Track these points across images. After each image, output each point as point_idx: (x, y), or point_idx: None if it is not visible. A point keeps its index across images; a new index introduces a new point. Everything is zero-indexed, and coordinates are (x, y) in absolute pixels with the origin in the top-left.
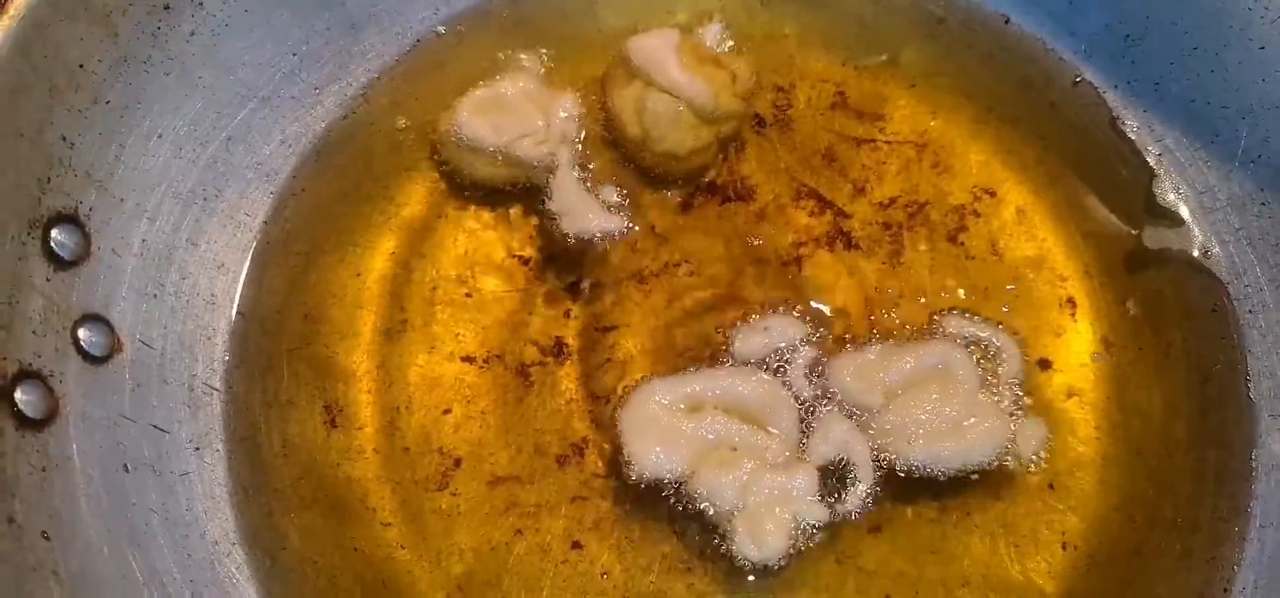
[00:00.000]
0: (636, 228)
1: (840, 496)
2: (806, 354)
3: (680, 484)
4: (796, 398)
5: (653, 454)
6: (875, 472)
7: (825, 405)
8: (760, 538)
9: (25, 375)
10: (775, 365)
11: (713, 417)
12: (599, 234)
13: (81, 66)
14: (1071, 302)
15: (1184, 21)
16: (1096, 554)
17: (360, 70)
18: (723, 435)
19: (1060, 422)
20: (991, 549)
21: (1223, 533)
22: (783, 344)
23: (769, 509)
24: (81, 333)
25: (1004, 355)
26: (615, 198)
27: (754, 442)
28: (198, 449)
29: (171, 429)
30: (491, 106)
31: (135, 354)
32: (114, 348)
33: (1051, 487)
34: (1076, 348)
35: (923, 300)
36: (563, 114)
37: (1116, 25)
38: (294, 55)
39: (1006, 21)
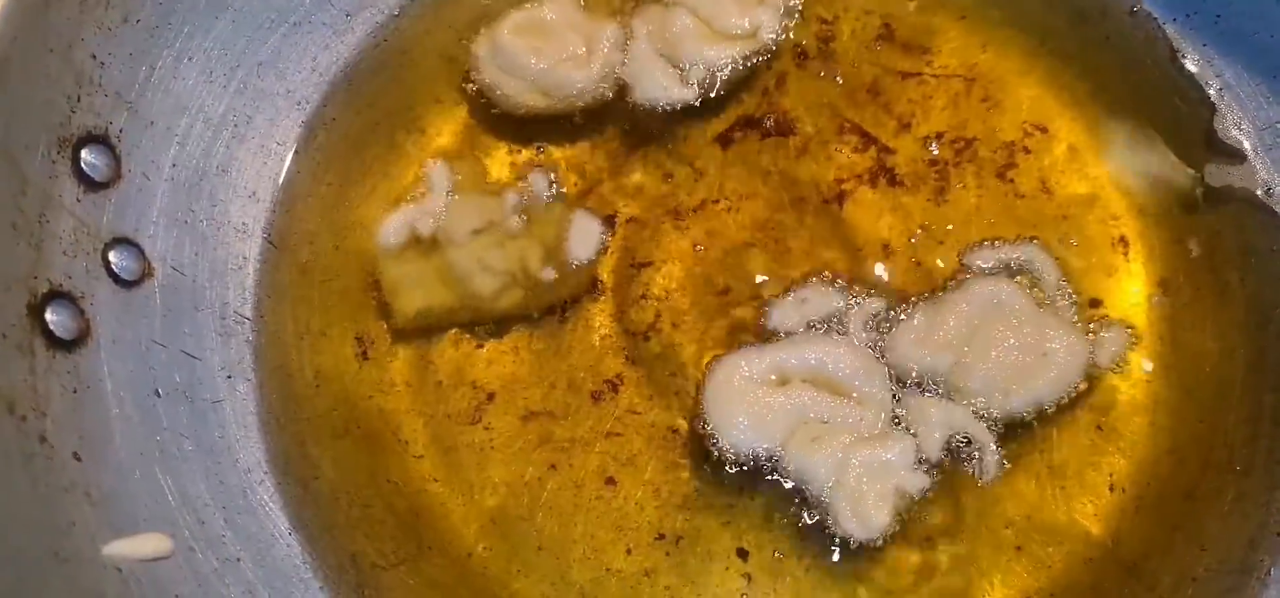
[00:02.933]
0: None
1: (968, 467)
2: (859, 316)
3: (773, 461)
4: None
5: (742, 431)
6: (990, 432)
7: (914, 392)
8: (864, 515)
9: (56, 295)
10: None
11: (800, 389)
12: (671, 103)
13: None
14: (1124, 241)
15: None
16: (1145, 497)
17: None
18: (813, 409)
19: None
20: (1038, 491)
21: (1277, 477)
22: (821, 316)
23: (870, 484)
24: (112, 256)
25: (1037, 266)
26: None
27: (845, 414)
28: (230, 377)
29: (203, 356)
30: (531, 29)
31: (166, 279)
32: (145, 272)
33: (1099, 428)
34: (1128, 287)
35: (970, 239)
36: (607, 43)
37: None
38: None
39: None
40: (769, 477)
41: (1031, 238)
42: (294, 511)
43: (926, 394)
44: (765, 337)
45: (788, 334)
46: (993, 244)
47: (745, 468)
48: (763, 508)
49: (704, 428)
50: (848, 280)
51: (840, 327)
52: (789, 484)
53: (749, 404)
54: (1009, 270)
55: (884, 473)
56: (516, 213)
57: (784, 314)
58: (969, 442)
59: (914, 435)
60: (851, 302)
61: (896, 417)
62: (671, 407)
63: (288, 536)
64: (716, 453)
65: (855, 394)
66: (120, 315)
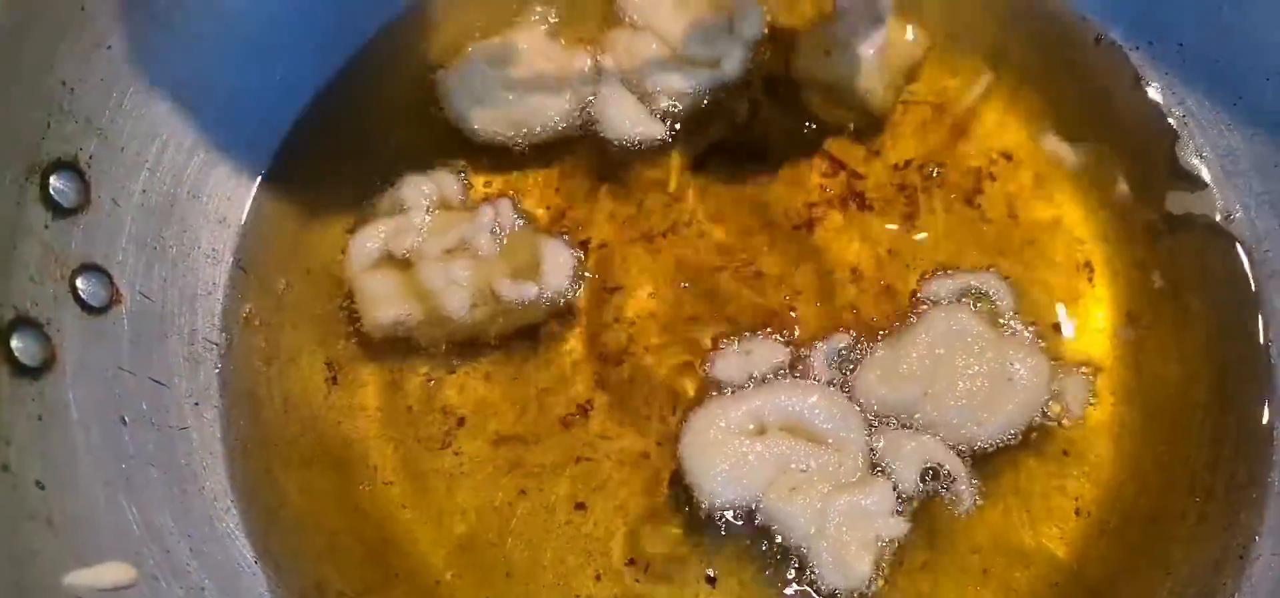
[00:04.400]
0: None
1: (941, 497)
2: (822, 355)
3: (752, 511)
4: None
5: (721, 483)
6: (962, 461)
7: (886, 428)
8: (846, 565)
9: (22, 322)
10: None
11: (778, 438)
12: (640, 141)
13: (83, 9)
14: (1088, 266)
15: None
16: (1111, 521)
17: (365, 23)
18: (791, 458)
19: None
20: (1004, 516)
21: (1240, 500)
22: (765, 368)
23: (851, 533)
24: (80, 282)
25: (991, 291)
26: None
27: (823, 461)
28: (197, 404)
29: (170, 383)
30: (503, 58)
31: (134, 306)
32: (113, 299)
33: (1065, 453)
34: (1093, 312)
35: (939, 264)
36: (578, 74)
37: None
38: (297, 8)
39: None
40: (748, 526)
41: (988, 266)
42: (260, 539)
43: (900, 428)
44: (717, 386)
45: (735, 388)
46: (948, 272)
47: (725, 519)
48: (731, 535)
49: (682, 480)
50: (793, 330)
51: (803, 369)
52: (778, 539)
53: (727, 455)
54: (966, 297)
55: (864, 520)
56: (490, 234)
57: (727, 366)
58: (942, 473)
59: (890, 475)
60: (816, 342)
61: (873, 455)
62: (643, 432)
63: (253, 565)
64: (698, 506)
65: (831, 440)
66: (87, 342)
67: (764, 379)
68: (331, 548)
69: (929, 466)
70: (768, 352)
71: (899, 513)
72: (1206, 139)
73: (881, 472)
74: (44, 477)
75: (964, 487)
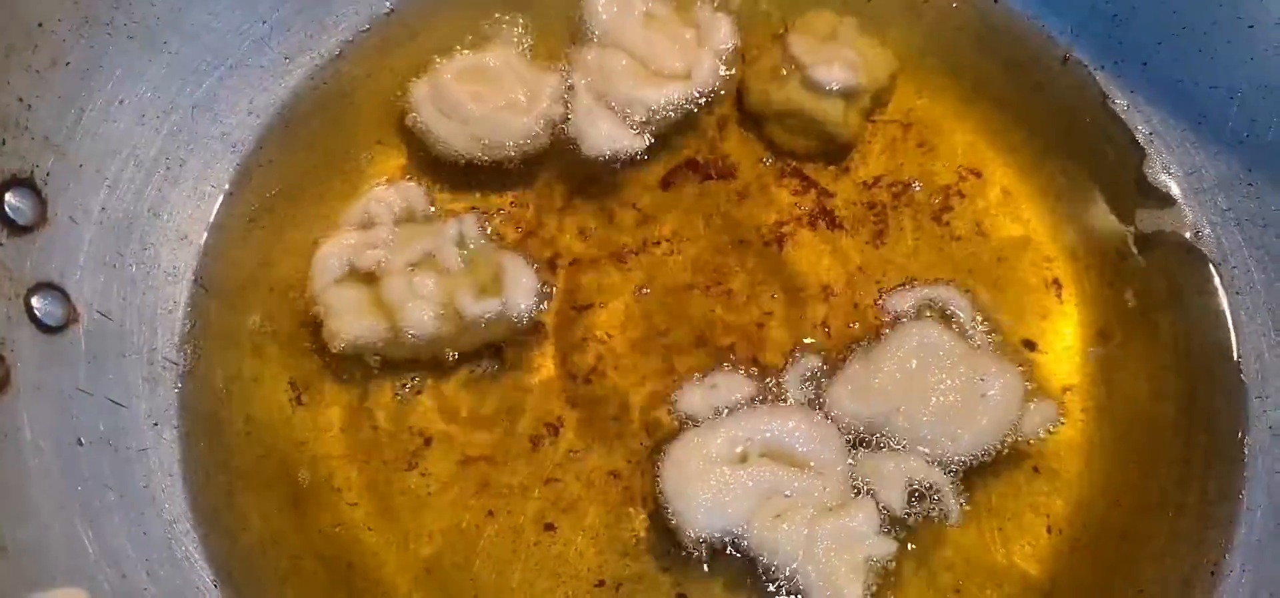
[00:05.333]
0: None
1: (931, 513)
2: (795, 375)
3: (737, 541)
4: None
5: (706, 514)
6: (947, 475)
7: (863, 447)
8: (837, 589)
9: None
10: (773, 396)
11: (760, 465)
12: (611, 156)
13: (40, 25)
14: (1057, 283)
15: (1173, 0)
16: (1082, 538)
17: (331, 39)
18: (774, 484)
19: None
20: (976, 533)
21: (1210, 516)
22: (730, 402)
23: (840, 557)
24: (35, 301)
25: (952, 305)
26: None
27: (806, 486)
28: (156, 425)
29: (129, 403)
30: (473, 75)
31: (92, 325)
32: (70, 318)
33: (1037, 470)
34: (1063, 329)
35: (907, 280)
36: (547, 94)
37: (1104, 5)
38: (264, 22)
39: (995, 1)
40: (732, 555)
41: (948, 280)
42: (220, 564)
43: (879, 449)
44: (688, 417)
45: (700, 420)
46: (910, 285)
47: (709, 550)
48: (702, 553)
49: (664, 512)
50: (763, 348)
51: (777, 391)
52: (763, 564)
53: (710, 486)
54: (928, 310)
55: (852, 543)
56: (454, 248)
57: (691, 400)
58: (928, 490)
59: (874, 496)
60: (786, 361)
61: (853, 479)
62: (613, 450)
63: (212, 590)
64: (682, 539)
65: (813, 463)
66: (42, 362)
67: (736, 407)
68: (294, 572)
69: (913, 483)
70: (734, 384)
71: (885, 532)
72: (1173, 157)
73: (865, 492)
74: None
75: (951, 501)
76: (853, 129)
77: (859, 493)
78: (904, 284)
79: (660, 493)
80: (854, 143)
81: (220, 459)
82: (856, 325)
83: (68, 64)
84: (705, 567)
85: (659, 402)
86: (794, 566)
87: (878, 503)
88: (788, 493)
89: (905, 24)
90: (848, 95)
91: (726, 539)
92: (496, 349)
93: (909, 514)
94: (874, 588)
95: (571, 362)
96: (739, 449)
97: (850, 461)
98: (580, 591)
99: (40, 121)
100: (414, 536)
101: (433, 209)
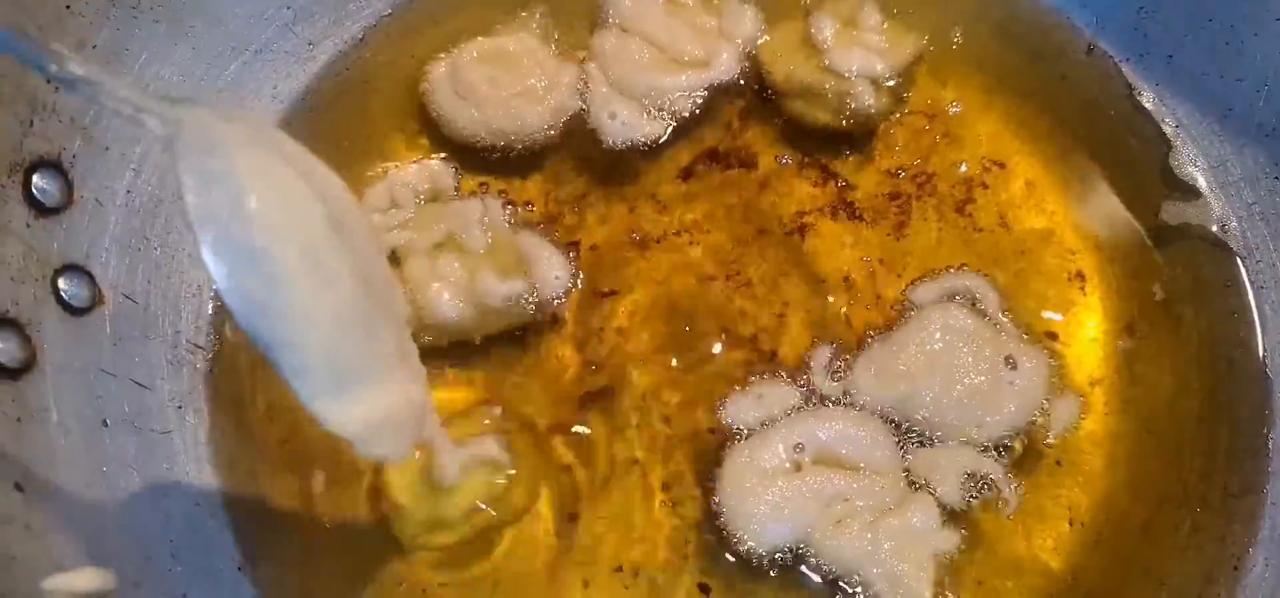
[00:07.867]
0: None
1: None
2: (819, 363)
3: (802, 551)
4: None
5: (766, 526)
6: (997, 460)
7: (913, 450)
8: (908, 589)
9: (2, 323)
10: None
11: (815, 472)
12: (631, 144)
13: (68, 7)
14: (1081, 275)
15: None
16: (1104, 531)
17: (355, 25)
18: (833, 490)
19: (1069, 396)
20: (997, 525)
21: (1233, 511)
22: (774, 412)
23: (904, 555)
24: (62, 283)
25: (977, 293)
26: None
27: (863, 488)
28: (180, 408)
29: (153, 386)
30: (493, 58)
31: (117, 308)
32: (95, 300)
33: (1059, 463)
34: (1086, 322)
35: (929, 271)
36: (565, 84)
37: None
38: (288, 8)
39: None
40: (798, 569)
41: (974, 270)
42: (243, 544)
43: (929, 446)
44: (721, 431)
45: (748, 431)
46: (933, 275)
47: (773, 563)
48: (721, 541)
49: (724, 526)
50: (784, 339)
51: (808, 386)
52: (826, 573)
53: (767, 499)
54: (952, 298)
55: (916, 540)
56: (478, 228)
57: (738, 410)
58: (984, 480)
59: (933, 492)
60: (807, 351)
61: (908, 476)
62: (631, 439)
63: (236, 572)
64: (742, 551)
65: (865, 464)
66: (68, 343)
67: (781, 415)
68: (315, 554)
69: (968, 474)
70: (778, 393)
71: (948, 524)
72: (1199, 150)
73: (921, 488)
74: (22, 480)
75: (1008, 489)
76: (884, 103)
77: (916, 489)
78: (926, 275)
79: (719, 511)
80: (882, 120)
81: (243, 442)
82: (878, 316)
83: (95, 46)
84: (726, 553)
85: (679, 391)
86: (862, 569)
87: (935, 497)
88: (846, 497)
89: (929, 13)
90: (872, 80)
91: (790, 551)
92: (518, 335)
93: (968, 505)
94: (944, 582)
95: (590, 349)
96: (793, 458)
97: (904, 457)
98: (598, 576)
99: (67, 103)
100: None
101: (457, 188)
